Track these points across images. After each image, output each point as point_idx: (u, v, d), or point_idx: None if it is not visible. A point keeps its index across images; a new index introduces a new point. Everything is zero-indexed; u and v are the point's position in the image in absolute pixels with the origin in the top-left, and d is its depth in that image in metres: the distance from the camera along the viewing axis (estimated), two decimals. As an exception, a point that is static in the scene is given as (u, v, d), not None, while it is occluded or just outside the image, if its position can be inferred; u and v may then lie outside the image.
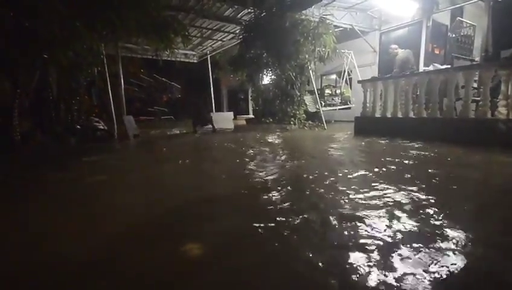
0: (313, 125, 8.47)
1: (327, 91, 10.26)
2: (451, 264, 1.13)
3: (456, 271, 1.09)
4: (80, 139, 6.33)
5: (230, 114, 10.93)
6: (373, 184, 2.27)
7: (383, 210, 1.73)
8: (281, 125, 8.84)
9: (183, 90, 18.38)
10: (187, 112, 11.08)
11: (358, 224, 1.54)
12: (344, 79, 9.59)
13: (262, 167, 3.16)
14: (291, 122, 8.65)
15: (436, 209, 1.71)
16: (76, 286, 1.15)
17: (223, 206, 2.03)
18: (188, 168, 3.59)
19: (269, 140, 5.84)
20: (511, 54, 5.33)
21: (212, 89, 11.20)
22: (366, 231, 1.46)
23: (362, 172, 2.77)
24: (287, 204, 1.92)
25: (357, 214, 1.69)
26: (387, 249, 1.27)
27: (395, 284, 1.02)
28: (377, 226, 1.51)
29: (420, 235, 1.40)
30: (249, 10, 7.42)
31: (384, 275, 1.08)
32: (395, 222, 1.56)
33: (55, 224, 1.79)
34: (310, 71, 8.44)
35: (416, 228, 1.48)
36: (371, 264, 1.16)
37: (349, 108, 9.49)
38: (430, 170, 2.74)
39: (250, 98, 15.13)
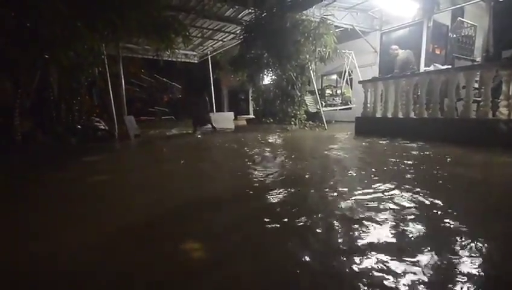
0: (313, 126, 8.47)
1: (328, 91, 10.26)
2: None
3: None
4: (81, 139, 6.34)
5: (231, 114, 10.93)
6: (374, 185, 2.26)
7: (387, 211, 1.73)
8: (282, 125, 8.83)
9: (183, 91, 18.40)
10: (187, 112, 11.08)
11: (364, 224, 1.54)
12: (345, 79, 9.58)
13: (263, 167, 3.16)
14: (292, 123, 8.64)
15: (441, 211, 1.71)
16: (76, 286, 1.15)
17: (223, 206, 2.03)
18: (189, 168, 3.59)
19: (270, 140, 5.84)
20: (512, 54, 5.33)
21: (212, 89, 11.20)
22: (371, 232, 1.46)
23: (363, 172, 2.77)
24: (289, 206, 1.92)
25: (361, 215, 1.68)
26: (396, 252, 1.26)
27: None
28: (382, 227, 1.51)
29: (428, 238, 1.40)
30: (250, 10, 7.43)
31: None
32: (399, 223, 1.56)
33: (55, 224, 1.79)
34: (311, 71, 8.44)
35: (423, 229, 1.48)
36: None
37: (350, 108, 9.48)
38: (431, 171, 2.73)
39: (250, 98, 15.12)
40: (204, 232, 1.58)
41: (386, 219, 1.60)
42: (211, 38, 9.49)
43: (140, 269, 1.22)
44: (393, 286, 1.01)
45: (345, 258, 1.21)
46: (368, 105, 6.11)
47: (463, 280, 1.03)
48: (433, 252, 1.22)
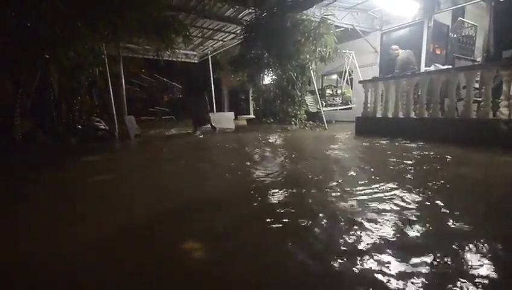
0: (313, 126, 8.46)
1: (328, 91, 10.24)
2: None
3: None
4: (81, 139, 6.34)
5: (231, 114, 10.93)
6: (375, 185, 2.26)
7: (388, 212, 1.72)
8: (282, 125, 8.83)
9: (184, 91, 18.41)
10: (188, 112, 11.09)
11: (364, 224, 1.53)
12: (345, 79, 9.57)
13: (263, 167, 3.16)
14: (292, 123, 8.64)
15: (442, 211, 1.71)
16: (76, 286, 1.15)
17: (223, 206, 2.03)
18: (189, 168, 3.59)
19: (270, 140, 5.84)
20: (513, 54, 5.32)
21: (213, 89, 11.20)
22: (371, 232, 1.46)
23: (364, 172, 2.76)
24: (289, 206, 1.92)
25: (362, 215, 1.68)
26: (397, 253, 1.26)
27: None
28: (382, 227, 1.51)
29: (430, 238, 1.40)
30: (250, 10, 7.43)
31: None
32: (399, 223, 1.56)
33: (55, 224, 1.79)
34: (311, 71, 8.43)
35: (424, 229, 1.47)
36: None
37: (350, 108, 9.47)
38: (432, 171, 2.73)
39: (251, 98, 15.12)
40: (204, 232, 1.58)
41: (387, 220, 1.59)
42: (211, 38, 9.49)
43: (140, 269, 1.22)
44: (395, 286, 1.01)
45: (345, 259, 1.21)
46: (369, 105, 6.11)
47: (464, 281, 1.03)
48: (435, 252, 1.22)
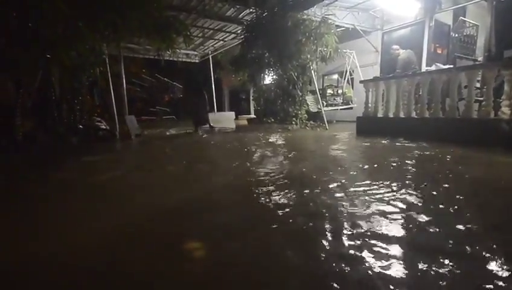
0: (314, 126, 8.45)
1: (329, 91, 10.23)
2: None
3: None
4: (82, 139, 6.36)
5: (232, 114, 10.94)
6: (376, 185, 2.26)
7: (388, 213, 1.72)
8: (283, 125, 8.82)
9: (184, 90, 18.42)
10: (188, 112, 11.11)
11: (364, 225, 1.53)
12: (346, 79, 9.56)
13: (264, 167, 3.15)
14: (293, 122, 8.63)
15: (443, 211, 1.70)
16: (76, 286, 1.15)
17: (224, 206, 2.03)
18: (190, 167, 3.59)
19: (271, 140, 5.83)
20: (515, 54, 5.30)
21: (213, 89, 11.20)
22: (372, 233, 1.45)
23: (365, 172, 2.76)
24: (291, 206, 1.92)
25: (362, 215, 1.68)
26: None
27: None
28: (383, 228, 1.51)
29: (434, 238, 1.39)
30: (251, 10, 7.42)
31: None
32: (400, 223, 1.55)
33: (56, 224, 1.80)
34: (312, 71, 8.42)
35: (425, 230, 1.47)
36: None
37: (351, 108, 9.46)
38: (433, 171, 2.73)
39: (251, 98, 15.11)
40: (204, 232, 1.58)
41: (388, 221, 1.59)
42: (212, 38, 9.49)
43: (140, 269, 1.22)
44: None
45: (347, 259, 1.21)
46: (369, 105, 6.10)
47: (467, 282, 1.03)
48: (439, 253, 1.21)
